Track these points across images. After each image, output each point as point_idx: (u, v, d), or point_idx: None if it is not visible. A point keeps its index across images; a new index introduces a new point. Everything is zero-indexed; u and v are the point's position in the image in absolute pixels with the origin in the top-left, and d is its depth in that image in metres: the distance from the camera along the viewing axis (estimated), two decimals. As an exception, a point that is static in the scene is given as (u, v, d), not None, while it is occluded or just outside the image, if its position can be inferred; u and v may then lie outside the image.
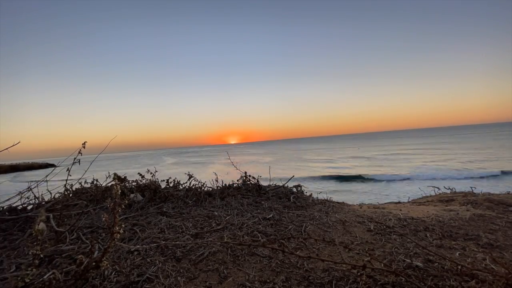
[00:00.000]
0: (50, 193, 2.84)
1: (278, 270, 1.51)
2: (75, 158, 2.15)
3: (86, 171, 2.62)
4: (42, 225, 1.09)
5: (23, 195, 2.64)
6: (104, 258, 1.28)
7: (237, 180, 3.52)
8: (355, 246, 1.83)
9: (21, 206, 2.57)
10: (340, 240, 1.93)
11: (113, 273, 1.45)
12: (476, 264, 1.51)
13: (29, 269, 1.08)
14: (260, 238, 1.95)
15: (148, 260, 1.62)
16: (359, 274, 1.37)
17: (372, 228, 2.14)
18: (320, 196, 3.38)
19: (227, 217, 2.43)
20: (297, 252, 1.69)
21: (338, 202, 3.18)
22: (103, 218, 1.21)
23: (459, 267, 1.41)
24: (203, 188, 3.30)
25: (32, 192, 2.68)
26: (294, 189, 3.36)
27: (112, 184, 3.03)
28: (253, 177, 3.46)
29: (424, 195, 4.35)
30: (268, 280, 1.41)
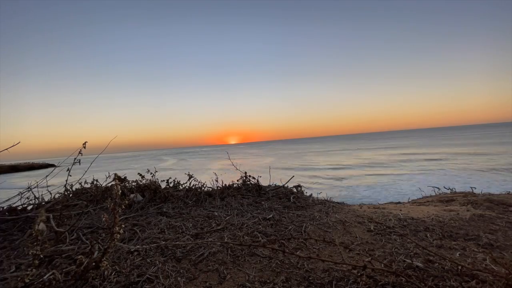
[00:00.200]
0: (50, 193, 2.84)
1: (278, 270, 1.51)
2: (75, 158, 2.15)
3: (86, 171, 2.62)
4: (42, 226, 1.09)
5: (23, 195, 2.64)
6: (104, 258, 1.28)
7: (237, 180, 3.52)
8: (355, 246, 1.82)
9: (21, 206, 2.58)
10: (340, 240, 1.93)
11: (113, 273, 1.45)
12: (476, 265, 1.51)
13: (29, 269, 1.08)
14: (260, 239, 1.95)
15: (148, 260, 1.62)
16: (359, 274, 1.37)
17: (372, 228, 2.14)
18: (320, 196, 3.38)
19: (227, 218, 2.43)
20: (297, 253, 1.69)
21: (338, 202, 3.18)
22: (103, 218, 1.21)
23: (460, 267, 1.41)
24: (203, 188, 3.30)
25: (32, 192, 2.68)
26: (294, 189, 3.36)
27: (112, 185, 3.04)
28: (253, 177, 3.46)
29: (424, 195, 4.36)
30: (268, 281, 1.41)
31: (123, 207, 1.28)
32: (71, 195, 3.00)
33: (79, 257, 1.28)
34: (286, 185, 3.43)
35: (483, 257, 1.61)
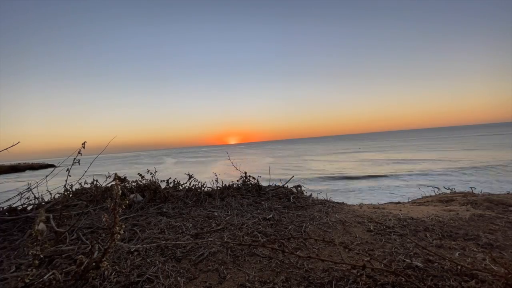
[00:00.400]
0: (50, 194, 2.84)
1: (278, 270, 1.51)
2: (74, 159, 2.15)
3: (86, 171, 2.62)
4: (42, 226, 1.09)
5: (23, 195, 2.64)
6: (104, 258, 1.28)
7: (237, 180, 3.52)
8: (355, 246, 1.83)
9: (21, 207, 2.58)
10: (340, 240, 1.93)
11: (113, 273, 1.45)
12: (476, 264, 1.51)
13: (29, 269, 1.09)
14: (260, 238, 1.95)
15: (148, 260, 1.62)
16: (359, 274, 1.37)
17: (372, 228, 2.14)
18: (320, 196, 3.38)
19: (227, 218, 2.43)
20: (297, 252, 1.69)
21: (338, 202, 3.18)
22: (103, 219, 1.22)
23: (459, 267, 1.42)
24: (203, 188, 3.31)
25: (32, 193, 2.68)
26: (294, 190, 3.36)
27: (112, 185, 3.04)
28: (253, 177, 3.47)
29: (424, 195, 4.36)
30: (268, 280, 1.41)
31: (123, 207, 1.29)
32: (71, 195, 3.00)
33: (79, 257, 1.28)
34: (286, 185, 3.43)
35: (482, 257, 1.62)
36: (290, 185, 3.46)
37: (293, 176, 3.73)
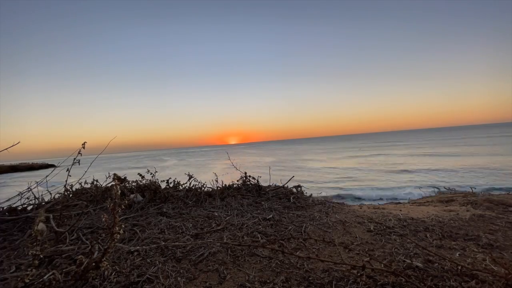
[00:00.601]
0: (50, 194, 2.84)
1: (278, 270, 1.51)
2: (75, 159, 2.15)
3: (86, 171, 2.62)
4: (42, 226, 1.09)
5: (23, 195, 2.64)
6: (104, 258, 1.28)
7: (237, 181, 3.52)
8: (355, 246, 1.82)
9: (21, 207, 2.58)
10: (340, 240, 1.93)
11: (113, 273, 1.45)
12: (476, 265, 1.51)
13: (29, 269, 1.08)
14: (260, 239, 1.95)
15: (148, 260, 1.62)
16: (359, 274, 1.37)
17: (372, 228, 2.14)
18: (320, 197, 3.38)
19: (227, 218, 2.43)
20: (297, 253, 1.69)
21: (338, 203, 3.18)
22: (103, 219, 1.22)
23: (459, 267, 1.41)
24: (203, 188, 3.30)
25: (32, 193, 2.68)
26: (294, 190, 3.36)
27: (112, 185, 3.04)
28: (253, 178, 3.46)
29: (424, 196, 4.36)
30: (268, 281, 1.41)
31: (123, 207, 1.28)
32: (71, 195, 3.00)
33: (79, 257, 1.28)
34: (286, 185, 3.43)
35: (482, 257, 1.61)
36: (290, 185, 3.46)
37: (293, 176, 3.72)
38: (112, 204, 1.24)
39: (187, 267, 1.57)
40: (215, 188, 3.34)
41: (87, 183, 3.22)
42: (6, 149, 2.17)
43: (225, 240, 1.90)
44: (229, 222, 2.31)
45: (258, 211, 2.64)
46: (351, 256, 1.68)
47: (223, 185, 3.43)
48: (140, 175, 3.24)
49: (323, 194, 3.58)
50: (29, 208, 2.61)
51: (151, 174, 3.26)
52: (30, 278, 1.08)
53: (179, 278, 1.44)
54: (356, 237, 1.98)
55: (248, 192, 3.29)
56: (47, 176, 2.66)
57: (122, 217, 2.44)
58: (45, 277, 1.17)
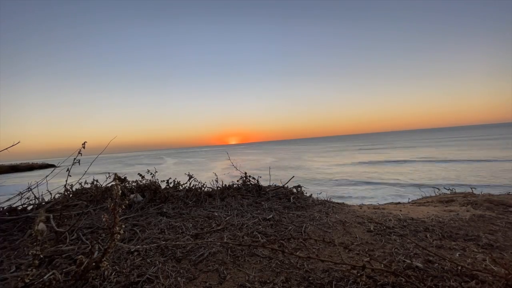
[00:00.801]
0: (50, 194, 2.84)
1: (278, 270, 1.51)
2: (75, 159, 2.15)
3: (86, 171, 2.62)
4: (42, 226, 1.09)
5: (23, 195, 2.64)
6: (104, 258, 1.28)
7: (237, 181, 3.52)
8: (355, 246, 1.83)
9: (21, 207, 2.58)
10: (340, 240, 1.93)
11: (113, 273, 1.45)
12: (476, 265, 1.51)
13: (29, 269, 1.09)
14: (260, 239, 1.95)
15: (148, 260, 1.62)
16: (359, 274, 1.37)
17: (372, 228, 2.14)
18: (320, 197, 3.38)
19: (227, 218, 2.43)
20: (297, 253, 1.69)
21: (338, 203, 3.18)
22: (103, 219, 1.22)
23: (459, 267, 1.42)
24: (203, 188, 3.30)
25: (32, 193, 2.68)
26: (294, 190, 3.36)
27: (112, 185, 3.04)
28: (253, 178, 3.46)
29: (424, 196, 4.36)
30: (268, 281, 1.41)
31: (123, 207, 1.29)
32: (71, 195, 3.00)
33: (79, 257, 1.28)
34: (286, 186, 3.43)
35: (482, 257, 1.61)
36: (290, 185, 3.46)
37: (293, 177, 3.72)
38: (112, 204, 1.24)
39: (187, 267, 1.57)
40: (215, 188, 3.34)
41: (87, 183, 3.22)
42: (6, 149, 2.17)
43: (225, 240, 1.90)
44: (229, 222, 2.31)
45: (258, 211, 2.64)
46: (351, 256, 1.68)
47: (223, 185, 3.43)
48: (140, 175, 3.24)
49: (323, 194, 3.58)
50: (29, 208, 2.61)
51: (151, 174, 3.26)
52: (30, 278, 1.08)
53: (179, 278, 1.44)
54: (356, 237, 1.98)
55: (248, 192, 3.29)
56: (47, 176, 2.66)
57: (122, 217, 2.44)
58: (45, 277, 1.17)
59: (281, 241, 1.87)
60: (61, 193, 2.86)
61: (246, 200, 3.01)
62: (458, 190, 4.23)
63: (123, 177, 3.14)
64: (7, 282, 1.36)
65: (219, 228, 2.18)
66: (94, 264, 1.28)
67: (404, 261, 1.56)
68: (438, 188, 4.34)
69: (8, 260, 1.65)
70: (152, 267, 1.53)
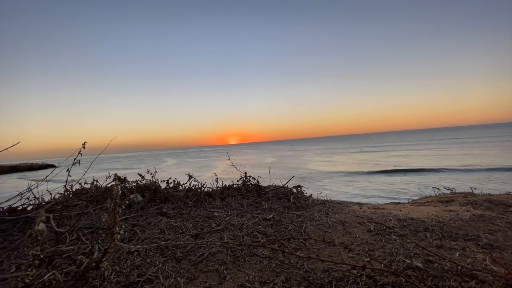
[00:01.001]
0: (50, 194, 2.84)
1: (278, 270, 1.51)
2: (75, 159, 2.15)
3: (86, 171, 2.63)
4: (42, 226, 1.09)
5: (23, 195, 2.64)
6: (104, 258, 1.28)
7: (237, 181, 3.52)
8: (355, 246, 1.83)
9: (21, 207, 2.58)
10: (340, 240, 1.93)
11: (113, 273, 1.45)
12: (476, 265, 1.51)
13: (29, 269, 1.09)
14: (260, 239, 1.95)
15: (148, 260, 1.62)
16: (359, 274, 1.37)
17: (372, 228, 2.14)
18: (320, 197, 3.38)
19: (227, 218, 2.43)
20: (297, 253, 1.69)
21: (338, 203, 3.18)
22: (103, 219, 1.22)
23: (459, 267, 1.42)
24: (203, 188, 3.30)
25: (32, 193, 2.68)
26: (294, 190, 3.36)
27: (112, 185, 3.04)
28: (253, 178, 3.47)
29: (424, 196, 4.36)
30: (268, 281, 1.41)
31: (123, 207, 1.29)
32: (71, 195, 3.00)
33: (79, 257, 1.28)
34: (286, 186, 3.43)
35: (482, 257, 1.61)
36: (290, 185, 3.46)
37: (293, 176, 3.73)
38: (112, 204, 1.24)
39: (187, 267, 1.57)
40: (215, 188, 3.34)
41: (87, 183, 3.22)
42: (6, 149, 2.17)
43: (225, 240, 1.90)
44: (229, 222, 2.31)
45: (258, 211, 2.64)
46: (351, 256, 1.68)
47: (223, 185, 3.43)
48: (140, 175, 3.25)
49: (323, 194, 3.58)
50: (29, 208, 2.61)
51: (151, 174, 3.26)
52: (30, 278, 1.08)
53: (179, 278, 1.44)
54: (356, 237, 1.98)
55: (248, 192, 3.29)
56: (47, 176, 2.66)
57: (122, 217, 2.44)
58: (45, 277, 1.17)
59: (281, 241, 1.87)
60: (61, 193, 2.86)
61: (246, 200, 3.01)
62: (458, 190, 4.23)
63: (123, 177, 3.14)
64: (7, 282, 1.36)
65: (219, 228, 2.18)
66: (94, 264, 1.28)
67: (404, 261, 1.56)
68: (438, 188, 4.34)
69: (8, 260, 1.65)
70: (152, 267, 1.53)
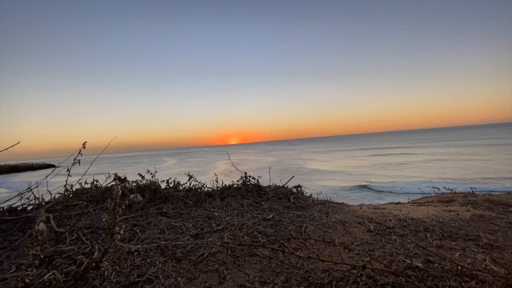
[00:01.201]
0: (50, 194, 2.84)
1: (278, 270, 1.51)
2: (75, 159, 2.15)
3: (86, 171, 2.62)
4: (42, 226, 1.09)
5: (23, 195, 2.64)
6: (104, 258, 1.28)
7: (237, 181, 3.52)
8: (355, 246, 1.82)
9: (21, 207, 2.57)
10: (340, 240, 1.93)
11: (113, 273, 1.45)
12: (476, 265, 1.51)
13: (29, 269, 1.09)
14: (260, 239, 1.95)
15: (148, 260, 1.62)
16: (359, 274, 1.37)
17: (372, 228, 2.14)
18: (320, 197, 3.38)
19: (227, 218, 2.43)
20: (297, 253, 1.69)
21: (338, 203, 3.18)
22: (104, 219, 1.22)
23: (459, 267, 1.41)
24: (203, 188, 3.30)
25: (32, 193, 2.68)
26: (294, 190, 3.36)
27: (112, 185, 3.04)
28: (253, 178, 3.46)
29: (424, 196, 4.36)
30: (268, 281, 1.41)
31: (123, 207, 1.29)
32: (71, 195, 3.00)
33: (79, 257, 1.28)
34: (286, 186, 3.43)
35: (483, 257, 1.61)
36: (290, 185, 3.46)
37: (293, 176, 3.72)
38: (112, 204, 1.24)
39: (187, 267, 1.57)
40: (215, 188, 3.34)
41: (87, 183, 3.22)
42: (6, 149, 2.17)
43: (225, 240, 1.90)
44: (229, 222, 2.31)
45: (258, 211, 2.63)
46: (351, 256, 1.68)
47: (223, 185, 3.43)
48: (140, 175, 3.24)
49: (323, 194, 3.58)
50: (29, 208, 2.61)
51: (151, 174, 3.26)
52: (30, 278, 1.08)
53: (179, 278, 1.44)
54: (356, 237, 1.98)
55: (248, 192, 3.29)
56: (47, 176, 2.66)
57: (122, 217, 2.44)
58: (45, 277, 1.17)
59: (281, 241, 1.87)
60: (61, 193, 2.86)
61: (246, 200, 3.01)
62: (458, 190, 4.23)
63: (123, 177, 3.14)
64: (7, 282, 1.36)
65: (219, 228, 2.18)
66: (94, 264, 1.28)
67: (404, 261, 1.56)
68: (438, 188, 4.34)
69: (8, 260, 1.65)
70: (152, 267, 1.53)
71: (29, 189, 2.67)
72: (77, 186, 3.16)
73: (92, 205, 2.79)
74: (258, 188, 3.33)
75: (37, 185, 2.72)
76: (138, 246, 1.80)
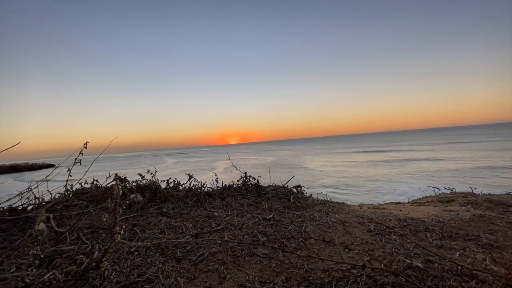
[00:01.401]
0: (50, 194, 2.84)
1: (278, 270, 1.51)
2: (76, 159, 2.15)
3: (87, 171, 2.63)
4: (42, 226, 1.09)
5: (23, 195, 2.64)
6: (105, 258, 1.28)
7: (237, 181, 3.52)
8: (355, 246, 1.83)
9: (21, 207, 2.58)
10: (340, 240, 1.93)
11: (113, 273, 1.45)
12: (476, 265, 1.51)
13: (29, 269, 1.09)
14: (260, 238, 1.95)
15: (148, 260, 1.62)
16: (359, 274, 1.37)
17: (372, 228, 2.14)
18: (320, 197, 3.38)
19: (227, 218, 2.43)
20: (297, 252, 1.69)
21: (338, 203, 3.18)
22: (104, 219, 1.22)
23: (459, 267, 1.42)
24: (203, 188, 3.31)
25: (32, 193, 2.68)
26: (294, 190, 3.36)
27: (112, 185, 3.04)
28: (253, 178, 3.47)
29: (424, 196, 4.36)
30: (268, 281, 1.41)
31: (124, 207, 1.29)
32: (71, 195, 3.00)
33: (80, 257, 1.28)
34: (286, 186, 3.43)
35: (483, 257, 1.61)
36: (290, 185, 3.46)
37: (293, 176, 3.73)
38: (112, 204, 1.24)
39: (187, 267, 1.57)
40: (215, 188, 3.34)
41: (87, 183, 3.22)
42: (6, 149, 2.17)
43: (225, 239, 1.90)
44: (229, 222, 2.31)
45: (258, 211, 2.64)
46: (351, 256, 1.68)
47: (223, 185, 3.43)
48: (140, 175, 3.25)
49: (323, 194, 3.58)
50: (29, 208, 2.61)
51: (151, 174, 3.26)
52: (31, 278, 1.08)
53: (179, 278, 1.44)
54: (356, 237, 1.98)
55: (248, 192, 3.29)
56: (47, 176, 2.66)
57: (122, 217, 2.44)
58: (45, 277, 1.17)
59: (281, 241, 1.87)
60: (61, 193, 2.86)
61: (246, 200, 3.01)
62: (458, 190, 4.23)
63: (123, 177, 3.14)
64: (7, 282, 1.36)
65: (219, 228, 2.18)
66: (94, 264, 1.28)
67: (404, 261, 1.56)
68: (438, 188, 4.34)
69: (8, 260, 1.65)
70: (152, 267, 1.53)
71: (29, 189, 2.67)
72: (77, 186, 3.16)
73: (92, 205, 2.80)
74: (258, 188, 3.33)
75: (37, 185, 2.73)
76: (139, 243, 1.80)
